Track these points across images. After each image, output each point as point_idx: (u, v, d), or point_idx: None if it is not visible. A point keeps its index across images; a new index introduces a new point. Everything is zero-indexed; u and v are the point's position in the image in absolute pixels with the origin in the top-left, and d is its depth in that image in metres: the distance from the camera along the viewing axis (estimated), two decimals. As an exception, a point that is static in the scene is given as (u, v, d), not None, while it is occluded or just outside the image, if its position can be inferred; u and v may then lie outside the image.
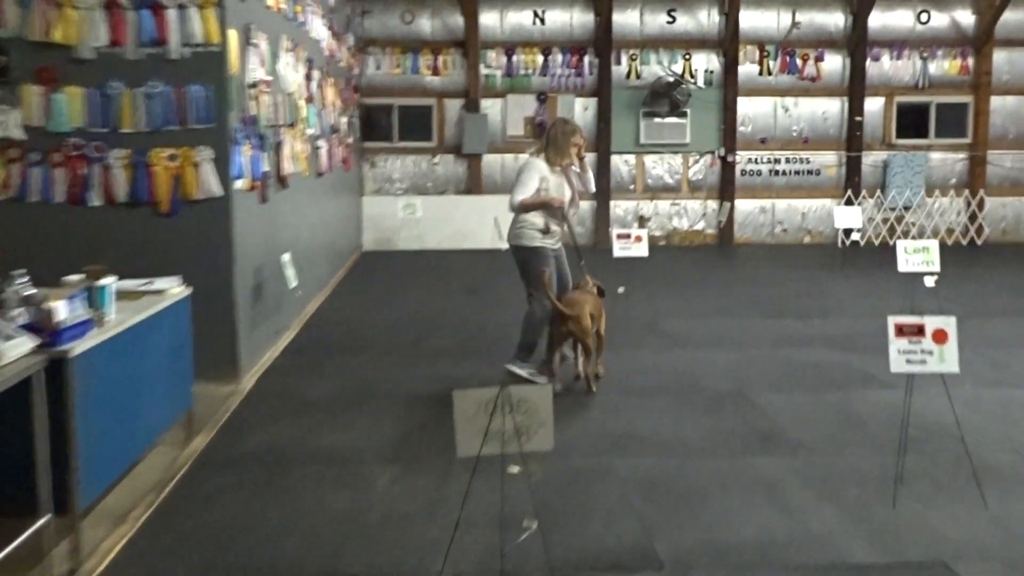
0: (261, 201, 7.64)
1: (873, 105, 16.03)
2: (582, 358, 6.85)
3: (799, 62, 15.90)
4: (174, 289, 5.40)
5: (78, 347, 4.04)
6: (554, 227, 6.99)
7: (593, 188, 7.34)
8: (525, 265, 6.94)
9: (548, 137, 6.98)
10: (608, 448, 5.52)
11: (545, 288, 6.67)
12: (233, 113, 6.75)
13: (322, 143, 10.62)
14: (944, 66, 16.00)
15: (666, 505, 4.68)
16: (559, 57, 15.66)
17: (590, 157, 15.63)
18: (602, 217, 15.74)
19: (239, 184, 6.88)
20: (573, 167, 7.10)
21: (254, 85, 7.30)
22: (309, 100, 9.73)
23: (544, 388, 3.71)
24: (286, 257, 7.86)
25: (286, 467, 5.22)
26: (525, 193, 6.88)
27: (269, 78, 7.76)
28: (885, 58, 15.97)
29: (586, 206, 15.65)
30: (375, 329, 8.99)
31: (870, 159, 16.03)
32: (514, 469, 3.76)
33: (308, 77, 9.69)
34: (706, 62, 15.87)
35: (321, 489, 4.91)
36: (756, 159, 16.05)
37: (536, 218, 6.95)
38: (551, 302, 6.62)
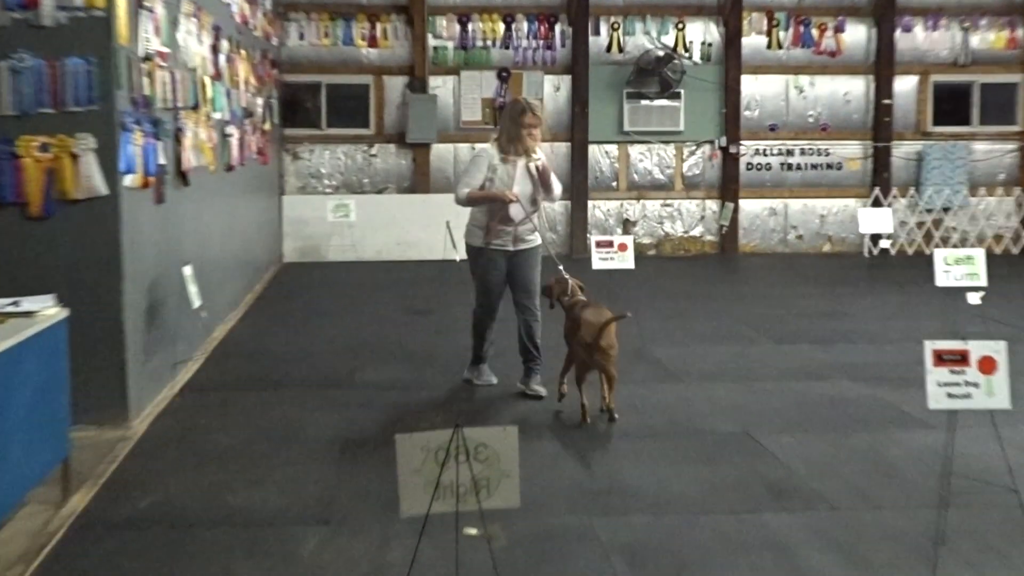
0: (157, 201, 7.58)
1: (904, 85, 16.28)
2: (607, 388, 7.07)
3: (815, 33, 16.11)
4: (46, 311, 5.32)
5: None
6: (500, 226, 7.45)
7: (556, 195, 7.75)
8: (471, 267, 7.73)
9: (500, 121, 7.62)
10: (587, 505, 5.51)
11: (555, 295, 7.50)
12: (121, 93, 6.69)
13: (232, 130, 10.57)
14: (989, 39, 16.30)
15: (657, 575, 4.68)
16: (524, 25, 15.75)
17: (561, 150, 15.71)
18: (578, 221, 15.80)
19: (129, 180, 6.82)
20: (535, 159, 7.48)
21: (148, 58, 7.26)
22: (216, 77, 9.68)
23: (508, 431, 3.70)
24: (188, 271, 7.81)
25: (188, 531, 5.16)
26: (468, 187, 7.48)
27: (166, 50, 7.72)
28: (918, 29, 16.23)
29: (557, 206, 15.70)
30: (299, 359, 8.93)
31: (901, 151, 16.26)
32: (471, 531, 3.75)
33: (215, 49, 9.65)
34: (703, 32, 16.04)
35: (231, 558, 4.85)
36: (764, 150, 16.22)
37: (480, 215, 7.57)
38: (578, 328, 7.00)
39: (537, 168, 7.48)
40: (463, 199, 7.47)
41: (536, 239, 7.74)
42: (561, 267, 7.67)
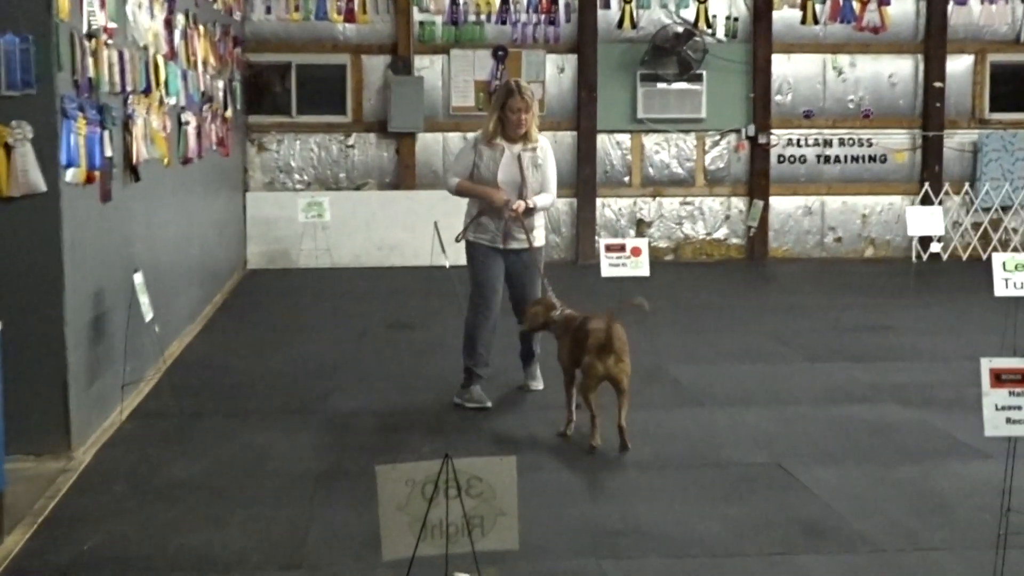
0: (103, 199, 7.58)
1: (958, 66, 16.31)
2: (620, 405, 7.09)
3: (856, 6, 16.16)
4: (-22, 324, 5.33)
5: None
6: (484, 218, 7.92)
7: (548, 202, 8.07)
8: (467, 260, 8.13)
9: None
10: (595, 547, 5.52)
11: (541, 320, 7.71)
12: (62, 75, 6.70)
13: (190, 118, 10.58)
14: (1055, 13, 16.33)
15: (676, 625, 4.69)
16: (524, -2, 15.78)
17: (566, 140, 15.73)
18: (585, 222, 15.82)
19: (71, 175, 6.83)
20: (529, 149, 7.87)
21: (92, 35, 7.27)
22: (171, 57, 9.70)
23: (505, 462, 3.72)
24: (138, 278, 7.82)
25: (138, 577, 5.16)
26: (455, 175, 8.05)
27: (113, 25, 7.73)
28: (974, 1, 16.27)
29: (561, 204, 15.71)
30: (265, 381, 8.94)
31: (955, 141, 16.30)
32: (463, 577, 3.76)
33: (169, 24, 9.66)
34: (729, 6, 16.09)
35: (188, 608, 4.86)
36: (798, 141, 16.26)
37: (471, 207, 8.08)
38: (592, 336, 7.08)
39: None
40: (453, 188, 8.04)
41: (533, 239, 8.00)
42: (544, 280, 7.95)
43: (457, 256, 11.13)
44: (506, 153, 7.90)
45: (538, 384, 8.46)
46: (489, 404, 7.95)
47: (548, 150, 8.10)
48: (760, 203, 15.79)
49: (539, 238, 8.13)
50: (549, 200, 8.09)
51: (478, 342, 8.02)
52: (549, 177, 8.04)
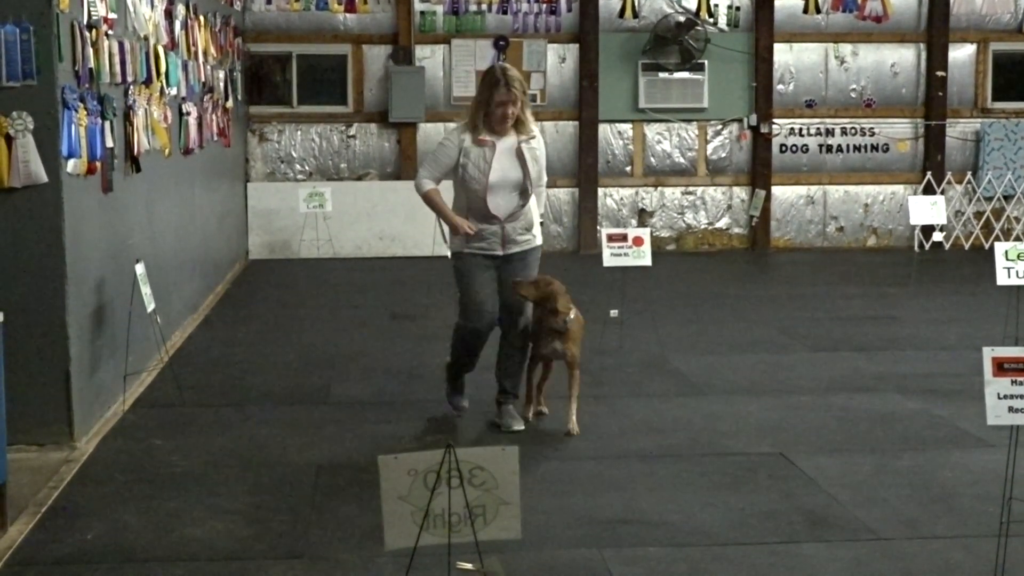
0: (104, 190, 7.59)
1: (961, 55, 16.30)
2: (574, 392, 7.15)
3: (858, -6, 16.14)
4: (-21, 315, 5.34)
5: None
6: (483, 226, 7.07)
7: (542, 211, 7.42)
8: (455, 274, 7.32)
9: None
10: (598, 536, 5.53)
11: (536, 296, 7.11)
12: (63, 66, 6.69)
13: (191, 108, 10.58)
14: (1057, 1, 16.31)
15: (679, 614, 4.70)
16: (525, -13, 15.76)
17: (567, 130, 15.72)
18: (587, 211, 15.82)
19: (72, 166, 6.83)
20: (526, 140, 7.10)
21: (93, 26, 7.27)
22: (171, 47, 9.70)
23: (507, 452, 3.73)
24: (140, 269, 7.82)
25: (141, 567, 5.17)
26: (429, 178, 7.17)
27: (114, 16, 7.73)
28: (977, -10, 16.26)
29: (562, 194, 15.72)
30: (266, 371, 8.95)
31: (957, 130, 16.29)
32: (466, 566, 3.77)
33: (169, 15, 9.66)
34: (730, -5, 16.07)
35: (191, 598, 4.87)
36: (801, 130, 16.25)
37: (459, 204, 7.22)
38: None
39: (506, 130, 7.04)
40: (422, 192, 7.15)
41: (533, 238, 7.27)
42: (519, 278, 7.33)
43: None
44: (499, 149, 7.03)
45: (518, 424, 7.27)
46: (466, 404, 7.53)
47: (541, 140, 7.35)
48: (762, 193, 15.80)
49: (535, 236, 7.30)
50: (542, 208, 7.41)
51: (465, 361, 7.41)
52: (543, 172, 7.30)
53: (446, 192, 7.23)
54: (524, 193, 7.10)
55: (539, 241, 7.34)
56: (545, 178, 7.36)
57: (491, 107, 6.96)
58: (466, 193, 7.12)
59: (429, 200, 7.16)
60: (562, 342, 7.08)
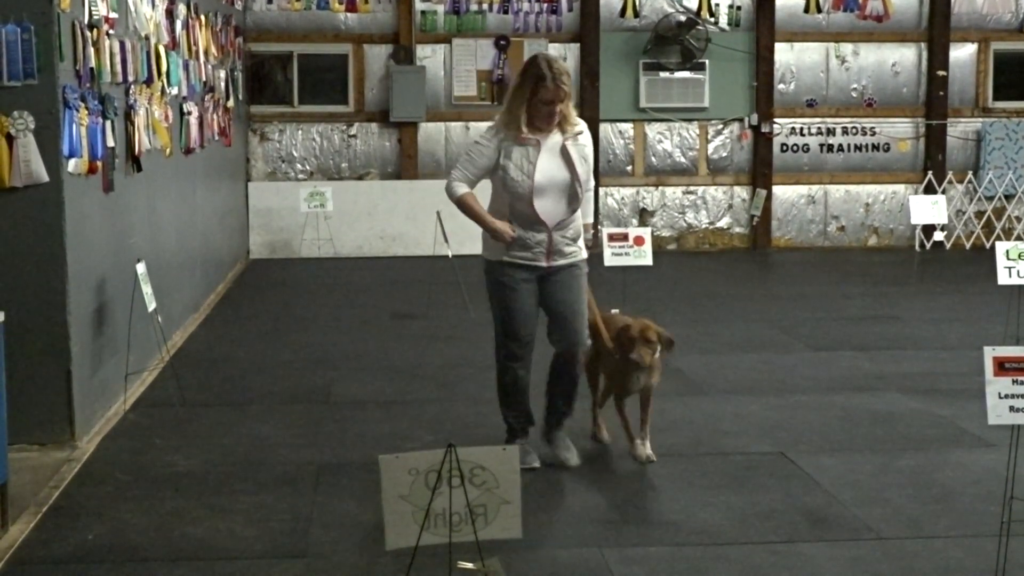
0: (105, 190, 7.59)
1: (961, 54, 16.29)
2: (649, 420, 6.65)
3: (859, -6, 16.14)
4: (-20, 315, 5.34)
5: None
6: (527, 234, 6.31)
7: (591, 217, 6.69)
8: (487, 288, 6.54)
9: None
10: (598, 535, 5.53)
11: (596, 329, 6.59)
12: (64, 65, 6.70)
13: (191, 108, 10.58)
14: (1058, 1, 16.31)
15: (680, 614, 4.70)
16: (526, -14, 15.76)
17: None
18: (587, 211, 15.79)
19: (73, 166, 6.83)
20: (572, 137, 6.36)
21: (94, 25, 7.27)
22: (172, 47, 9.70)
23: (508, 452, 3.73)
24: (141, 268, 7.83)
25: (142, 566, 5.17)
26: (463, 180, 6.35)
27: (115, 15, 7.73)
28: (978, -11, 16.25)
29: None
30: (267, 370, 8.95)
31: (958, 129, 16.28)
32: (466, 566, 3.77)
33: (170, 14, 9.66)
34: (731, -6, 16.06)
35: (192, 598, 4.87)
36: (801, 129, 16.24)
37: (497, 208, 6.42)
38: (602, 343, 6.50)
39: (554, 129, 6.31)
40: (455, 197, 6.35)
41: (579, 250, 6.53)
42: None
43: (459, 246, 11.18)
44: (543, 148, 6.27)
45: (574, 459, 6.59)
46: (537, 464, 6.46)
47: (589, 135, 6.51)
48: (763, 192, 15.79)
49: (582, 248, 6.57)
50: (589, 217, 6.63)
51: (516, 393, 6.56)
52: (591, 174, 6.52)
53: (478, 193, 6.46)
54: (573, 197, 6.33)
55: (585, 254, 6.57)
56: (593, 181, 6.61)
57: (535, 104, 6.19)
58: (508, 197, 6.31)
59: (463, 205, 6.33)
60: (649, 376, 6.55)
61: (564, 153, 6.29)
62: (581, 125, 6.43)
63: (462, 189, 6.33)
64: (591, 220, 6.67)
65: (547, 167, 6.25)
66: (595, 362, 6.91)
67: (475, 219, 6.37)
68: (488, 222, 6.30)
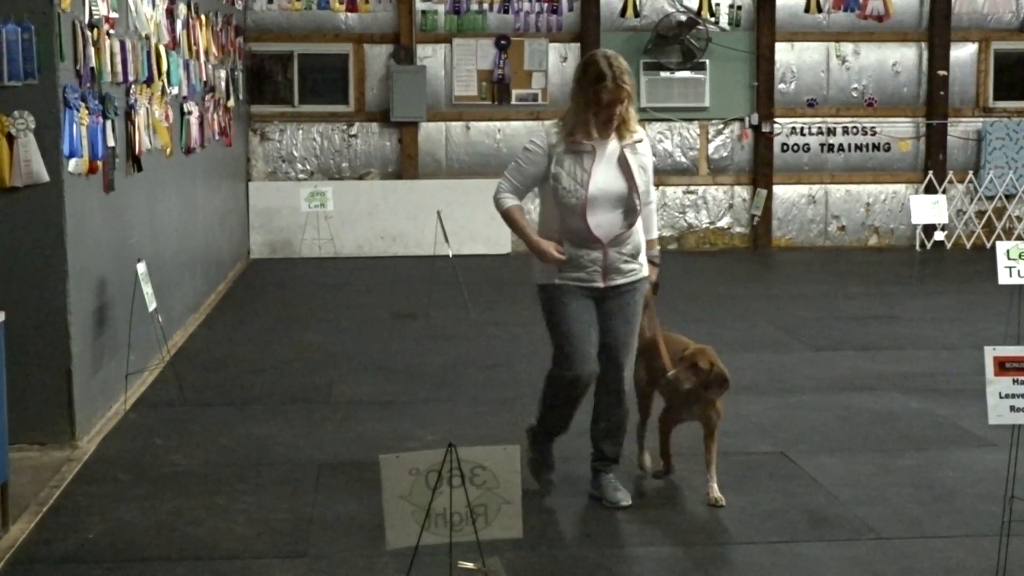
0: (105, 189, 7.59)
1: (962, 54, 16.29)
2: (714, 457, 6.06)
3: (860, -6, 16.14)
4: (-19, 314, 5.34)
5: None
6: (580, 252, 5.77)
7: (655, 232, 6.15)
8: (543, 312, 5.99)
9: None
10: (600, 535, 5.53)
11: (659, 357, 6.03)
12: (64, 65, 6.70)
13: (192, 108, 10.58)
14: (1059, 0, 16.31)
15: (680, 614, 4.71)
16: (526, -14, 15.76)
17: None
18: (588, 211, 15.78)
19: (73, 165, 6.83)
20: (631, 144, 5.84)
21: (94, 25, 7.27)
22: (173, 47, 9.70)
23: (509, 451, 3.72)
24: (142, 268, 7.83)
25: (142, 566, 5.17)
26: (510, 191, 5.88)
27: (115, 15, 7.73)
28: (978, -11, 16.25)
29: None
30: (268, 370, 8.95)
31: (959, 129, 16.27)
32: (467, 566, 3.77)
33: (171, 14, 9.66)
34: (731, -6, 16.06)
35: (192, 597, 4.87)
36: (802, 129, 16.24)
37: (548, 225, 5.92)
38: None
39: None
40: (502, 209, 5.88)
41: (639, 267, 5.94)
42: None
43: (460, 245, 11.17)
44: (599, 156, 5.74)
45: (625, 499, 5.95)
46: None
47: (648, 144, 6.03)
48: (763, 192, 15.79)
49: (643, 266, 5.98)
50: (654, 233, 6.11)
51: (553, 438, 6.15)
52: (651, 185, 6.01)
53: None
54: (631, 210, 5.78)
55: (645, 271, 5.98)
56: (655, 193, 6.14)
57: (583, 103, 5.69)
58: (559, 210, 5.79)
59: (510, 219, 5.86)
60: (705, 408, 6.05)
61: (622, 161, 5.77)
62: (641, 133, 5.92)
63: (510, 201, 5.85)
64: (655, 236, 6.12)
65: (603, 177, 5.72)
66: (651, 386, 6.39)
67: (520, 235, 5.91)
68: (534, 242, 5.79)
